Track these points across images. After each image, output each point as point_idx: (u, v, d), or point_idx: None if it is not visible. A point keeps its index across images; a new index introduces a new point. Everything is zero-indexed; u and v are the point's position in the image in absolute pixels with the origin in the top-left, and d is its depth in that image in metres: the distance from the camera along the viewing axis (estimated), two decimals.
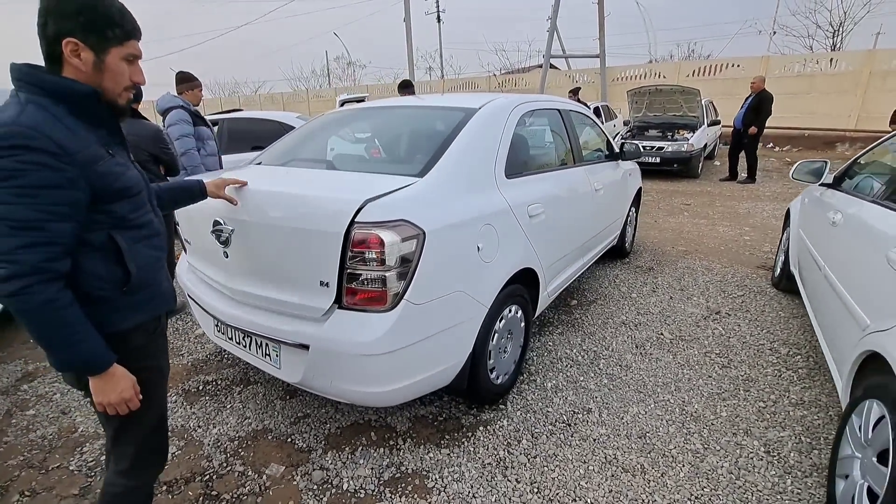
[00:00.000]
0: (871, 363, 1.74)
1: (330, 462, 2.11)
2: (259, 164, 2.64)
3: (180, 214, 2.45)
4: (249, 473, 2.07)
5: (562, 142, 3.14)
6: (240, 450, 2.21)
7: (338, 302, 1.82)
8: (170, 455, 2.15)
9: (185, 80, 3.84)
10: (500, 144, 2.37)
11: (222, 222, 2.04)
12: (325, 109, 13.73)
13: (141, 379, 1.27)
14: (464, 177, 2.13)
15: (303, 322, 1.89)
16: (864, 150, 2.94)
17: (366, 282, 1.75)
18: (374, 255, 1.71)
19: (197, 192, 1.81)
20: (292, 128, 6.08)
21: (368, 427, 2.34)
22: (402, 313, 1.77)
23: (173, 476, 2.06)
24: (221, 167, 4.07)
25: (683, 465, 2.06)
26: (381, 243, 1.69)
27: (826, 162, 3.11)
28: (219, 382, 2.75)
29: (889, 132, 2.76)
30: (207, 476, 2.06)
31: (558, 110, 3.17)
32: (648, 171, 9.64)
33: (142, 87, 1.40)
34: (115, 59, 1.16)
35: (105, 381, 1.18)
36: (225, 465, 2.12)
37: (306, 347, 1.85)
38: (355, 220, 1.70)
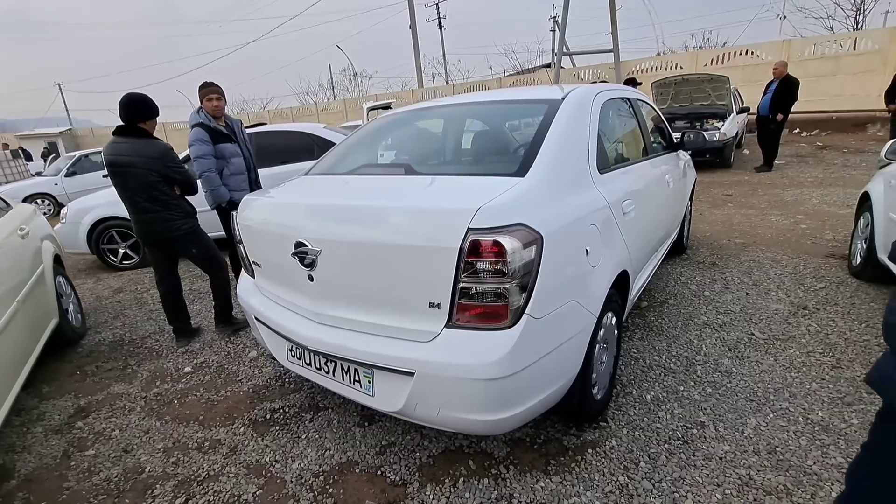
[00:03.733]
0: None
1: (431, 496, 1.90)
2: (321, 174, 2.44)
3: (245, 235, 2.26)
4: None
5: (637, 132, 2.92)
6: (327, 486, 2.00)
7: (447, 321, 1.61)
8: (250, 495, 1.98)
9: (201, 88, 3.60)
10: (589, 136, 2.16)
11: (307, 244, 1.83)
12: (334, 123, 13.53)
13: None
14: (564, 173, 1.92)
15: (404, 344, 1.68)
16: None
17: (482, 296, 1.54)
18: (492, 266, 1.50)
19: None
20: (319, 138, 5.91)
21: (462, 454, 2.12)
22: (524, 329, 1.54)
23: None
24: (254, 185, 3.82)
25: (832, 483, 1.82)
26: (503, 252, 1.47)
27: None
28: (286, 410, 2.55)
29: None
30: None
31: (628, 99, 2.96)
32: None
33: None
34: None
35: None
36: None
37: (410, 373, 1.64)
38: (470, 228, 1.49)
